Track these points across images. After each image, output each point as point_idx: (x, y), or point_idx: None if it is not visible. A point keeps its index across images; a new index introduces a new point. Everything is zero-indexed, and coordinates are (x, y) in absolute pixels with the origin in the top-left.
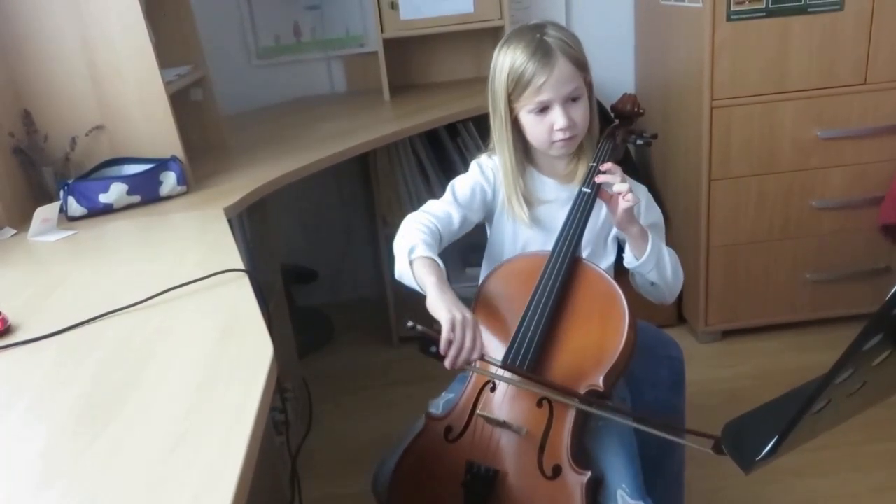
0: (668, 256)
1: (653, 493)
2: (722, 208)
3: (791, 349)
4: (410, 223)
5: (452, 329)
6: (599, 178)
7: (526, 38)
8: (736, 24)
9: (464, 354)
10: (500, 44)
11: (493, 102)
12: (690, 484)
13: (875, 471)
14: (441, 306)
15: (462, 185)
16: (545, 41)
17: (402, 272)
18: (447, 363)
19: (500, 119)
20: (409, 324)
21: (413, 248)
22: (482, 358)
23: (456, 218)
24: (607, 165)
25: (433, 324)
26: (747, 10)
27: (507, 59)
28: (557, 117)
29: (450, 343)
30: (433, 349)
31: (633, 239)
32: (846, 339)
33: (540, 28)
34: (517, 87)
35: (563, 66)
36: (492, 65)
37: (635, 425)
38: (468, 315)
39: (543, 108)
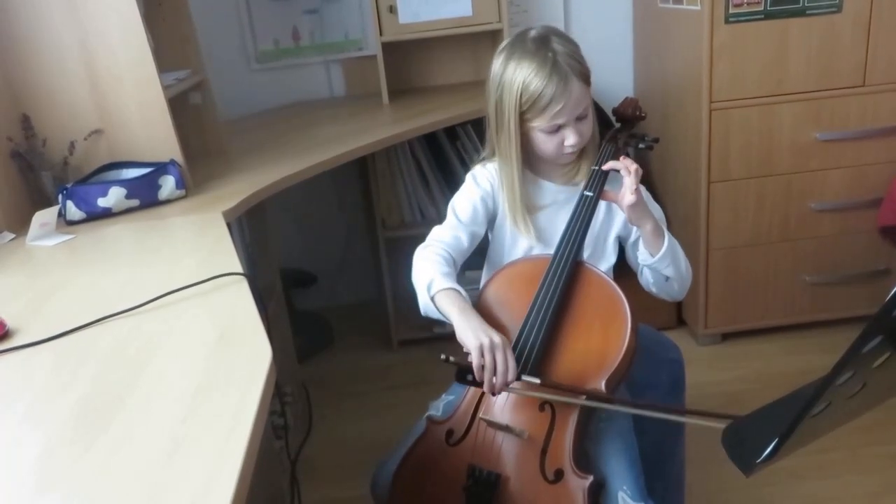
0: (679, 249)
1: (653, 496)
2: (721, 211)
3: (791, 351)
4: (422, 256)
5: (482, 355)
6: (608, 166)
7: (538, 57)
8: (734, 27)
9: (499, 378)
10: (503, 54)
11: (498, 116)
12: (691, 486)
13: (876, 474)
14: (468, 334)
15: (462, 204)
16: (559, 63)
17: (426, 308)
18: (485, 388)
19: (506, 134)
20: (443, 356)
21: (431, 283)
22: (519, 378)
23: (464, 239)
24: (610, 164)
25: (463, 352)
26: (745, 13)
27: (519, 77)
28: (569, 135)
29: (483, 369)
30: (469, 377)
31: (649, 234)
32: (846, 341)
33: (546, 42)
34: (532, 108)
35: (577, 89)
36: (495, 76)
37: (646, 413)
38: (496, 338)
39: (557, 128)
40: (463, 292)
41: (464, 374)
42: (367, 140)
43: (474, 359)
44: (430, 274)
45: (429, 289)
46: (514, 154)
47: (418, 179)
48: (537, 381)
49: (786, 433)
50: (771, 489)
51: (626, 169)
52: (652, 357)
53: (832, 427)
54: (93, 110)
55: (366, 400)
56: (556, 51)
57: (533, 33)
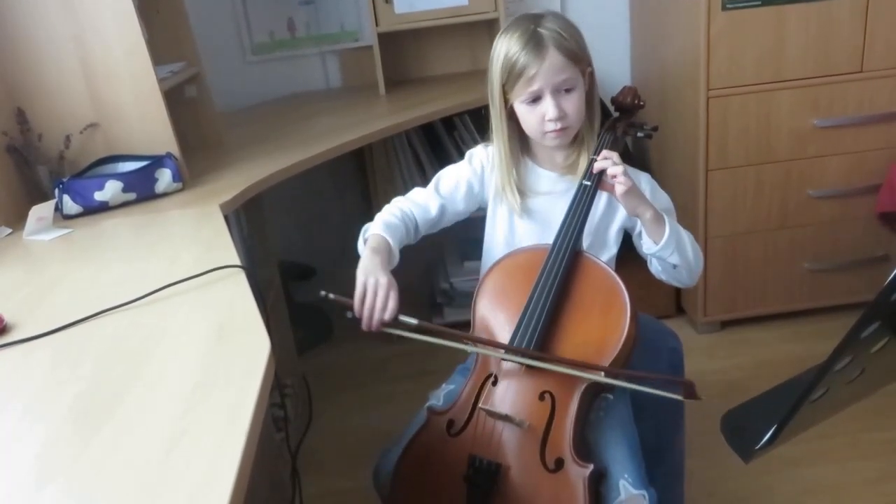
0: (686, 236)
1: (654, 484)
2: (719, 199)
3: (790, 338)
4: (387, 206)
5: (364, 293)
6: (597, 164)
7: (521, 29)
8: (731, 14)
9: (376, 315)
10: (500, 33)
11: (490, 92)
12: (691, 474)
13: (874, 460)
14: (359, 272)
15: (447, 177)
16: (538, 32)
17: (360, 249)
18: (363, 325)
19: (495, 108)
20: (322, 293)
21: (369, 227)
22: (396, 320)
23: (433, 207)
24: (604, 153)
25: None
26: None
27: (503, 49)
28: (548, 108)
29: (363, 304)
30: (349, 314)
31: (649, 223)
32: (845, 327)
33: (537, 19)
34: (510, 77)
35: (553, 57)
36: (490, 54)
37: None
38: (381, 279)
39: (535, 99)
40: (391, 241)
41: (344, 310)
42: (364, 131)
43: (356, 295)
44: (376, 220)
45: (365, 231)
46: (501, 128)
47: (416, 170)
48: (414, 321)
49: (784, 419)
50: (770, 476)
51: (609, 165)
52: (651, 346)
53: (831, 413)
54: (88, 104)
55: (366, 391)
56: (540, 24)
57: (532, 12)
